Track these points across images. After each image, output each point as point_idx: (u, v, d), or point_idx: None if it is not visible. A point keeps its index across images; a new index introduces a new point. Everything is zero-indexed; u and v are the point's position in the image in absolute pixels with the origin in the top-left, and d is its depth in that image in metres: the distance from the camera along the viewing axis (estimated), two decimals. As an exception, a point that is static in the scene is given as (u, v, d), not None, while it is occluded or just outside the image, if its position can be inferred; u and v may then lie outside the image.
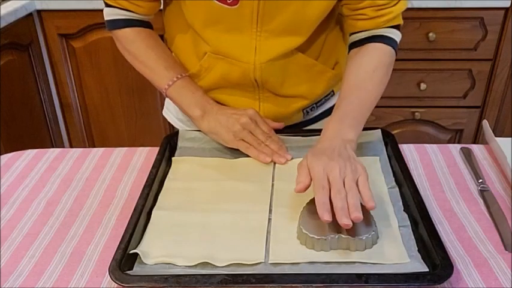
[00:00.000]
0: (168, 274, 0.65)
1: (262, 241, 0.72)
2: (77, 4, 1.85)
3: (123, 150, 1.00)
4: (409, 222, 0.75)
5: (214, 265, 0.68)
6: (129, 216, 0.75)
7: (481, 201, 0.83)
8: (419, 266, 0.66)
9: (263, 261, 0.69)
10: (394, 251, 0.70)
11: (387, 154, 0.91)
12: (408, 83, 1.94)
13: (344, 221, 0.66)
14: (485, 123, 0.98)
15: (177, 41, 1.01)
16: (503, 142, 0.92)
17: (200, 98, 0.95)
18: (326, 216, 0.67)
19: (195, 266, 0.68)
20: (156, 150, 0.94)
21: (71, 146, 2.19)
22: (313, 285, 0.63)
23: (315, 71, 0.98)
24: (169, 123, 1.15)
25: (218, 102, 0.98)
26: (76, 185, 0.90)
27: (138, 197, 0.79)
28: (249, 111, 0.93)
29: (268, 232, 0.74)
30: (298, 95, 1.00)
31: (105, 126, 2.15)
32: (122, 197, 0.86)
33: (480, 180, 0.87)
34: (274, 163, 0.90)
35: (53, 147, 1.96)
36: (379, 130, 0.96)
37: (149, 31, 0.99)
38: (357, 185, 0.70)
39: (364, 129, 0.86)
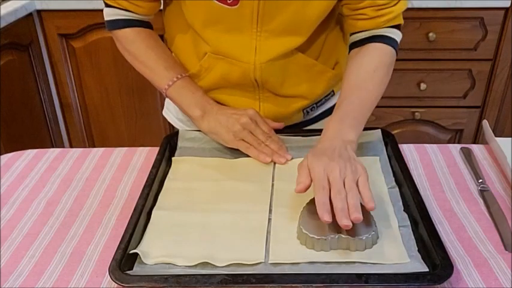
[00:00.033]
0: (168, 274, 0.65)
1: (262, 241, 0.72)
2: (77, 4, 1.85)
3: (123, 150, 1.00)
4: (409, 222, 0.75)
5: (214, 265, 0.68)
6: (129, 216, 0.75)
7: (481, 201, 0.83)
8: (419, 266, 0.66)
9: (263, 261, 0.68)
10: (394, 251, 0.70)
11: (387, 154, 0.91)
12: (408, 83, 1.94)
13: (344, 222, 0.66)
14: (485, 123, 0.98)
15: (177, 41, 1.01)
16: (503, 142, 0.92)
17: (200, 98, 0.95)
18: (326, 217, 0.67)
19: (195, 266, 0.68)
20: (156, 150, 0.94)
21: (71, 146, 2.19)
22: (313, 285, 0.63)
23: (315, 71, 0.98)
24: (169, 123, 1.15)
25: (218, 102, 0.98)
26: (76, 185, 0.90)
27: (138, 197, 0.79)
28: (249, 111, 0.93)
29: (268, 232, 0.74)
30: (298, 95, 1.00)
31: (105, 126, 2.15)
32: (121, 197, 0.86)
33: (480, 180, 0.87)
34: (274, 163, 0.90)
35: (53, 147, 1.96)
36: (379, 130, 0.96)
37: (149, 31, 0.99)
38: (357, 185, 0.70)
39: (364, 129, 0.86)
